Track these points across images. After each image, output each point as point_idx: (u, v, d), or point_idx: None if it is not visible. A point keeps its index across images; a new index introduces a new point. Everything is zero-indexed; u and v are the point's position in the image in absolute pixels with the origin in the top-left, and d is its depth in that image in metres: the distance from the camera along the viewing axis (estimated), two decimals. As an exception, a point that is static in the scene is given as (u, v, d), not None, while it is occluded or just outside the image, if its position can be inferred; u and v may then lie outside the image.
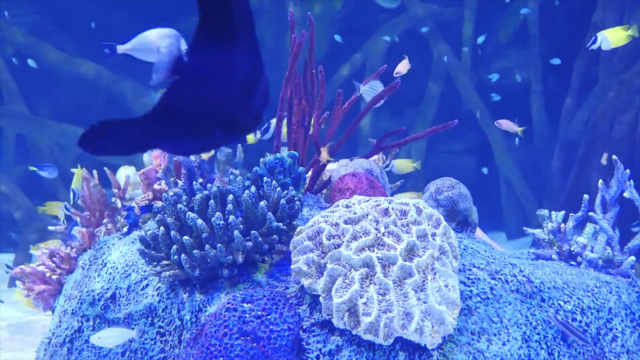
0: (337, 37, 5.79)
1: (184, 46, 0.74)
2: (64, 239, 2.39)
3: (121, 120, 0.74)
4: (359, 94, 2.15)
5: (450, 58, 6.27)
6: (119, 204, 2.36)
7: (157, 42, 1.72)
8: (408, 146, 6.14)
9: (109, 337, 1.64)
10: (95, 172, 2.43)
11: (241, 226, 1.60)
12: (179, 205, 1.65)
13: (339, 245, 1.47)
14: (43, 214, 5.48)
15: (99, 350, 1.79)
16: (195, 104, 0.72)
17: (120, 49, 1.79)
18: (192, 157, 1.96)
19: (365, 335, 1.35)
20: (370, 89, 2.13)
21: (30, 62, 5.56)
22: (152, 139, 0.74)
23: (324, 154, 1.96)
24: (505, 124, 3.30)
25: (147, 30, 1.74)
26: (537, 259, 1.94)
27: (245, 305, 1.42)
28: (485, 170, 5.92)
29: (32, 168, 2.06)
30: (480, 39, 5.93)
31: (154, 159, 2.25)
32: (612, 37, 2.21)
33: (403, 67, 2.26)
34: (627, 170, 1.95)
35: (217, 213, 1.58)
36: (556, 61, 4.95)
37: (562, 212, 1.98)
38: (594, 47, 2.20)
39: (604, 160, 3.37)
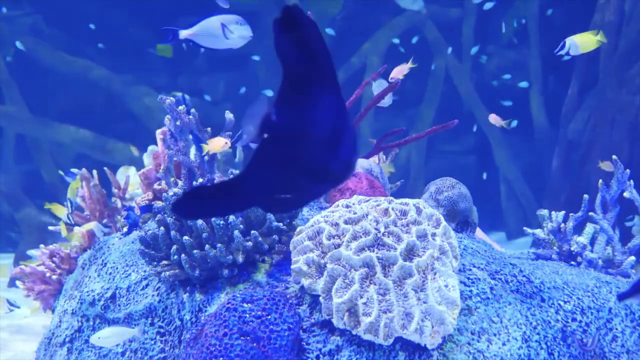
0: (330, 31, 5.79)
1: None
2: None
3: (214, 185, 0.82)
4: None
5: (450, 58, 6.28)
6: (119, 204, 2.36)
7: (222, 29, 1.70)
8: (408, 146, 6.14)
9: (109, 337, 1.64)
10: (95, 172, 2.43)
11: (241, 226, 1.60)
12: (179, 205, 1.65)
13: (339, 245, 1.47)
14: (43, 214, 5.48)
15: (99, 350, 1.79)
16: (286, 160, 0.73)
17: (183, 34, 1.76)
18: (192, 158, 1.96)
19: (365, 335, 1.35)
20: (379, 87, 2.12)
21: (18, 44, 5.53)
22: (245, 199, 0.75)
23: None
24: (493, 118, 3.35)
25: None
26: (537, 259, 1.94)
27: (245, 305, 1.42)
28: (484, 175, 5.93)
29: (60, 172, 2.08)
30: (474, 50, 5.94)
31: (154, 159, 2.25)
32: (581, 42, 2.20)
33: (398, 72, 2.26)
34: (627, 170, 1.95)
35: (217, 213, 1.59)
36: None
37: (562, 212, 1.98)
38: (562, 52, 2.19)
39: (604, 166, 3.38)
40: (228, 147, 1.91)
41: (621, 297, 1.01)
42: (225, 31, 1.68)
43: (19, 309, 3.20)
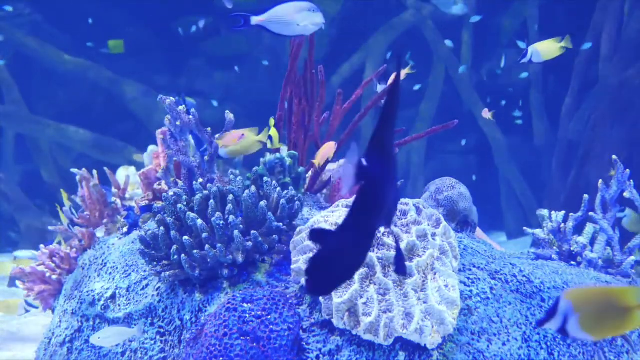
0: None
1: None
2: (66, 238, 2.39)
3: (324, 249, 0.82)
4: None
5: (450, 58, 6.27)
6: (119, 204, 2.36)
7: (294, 15, 1.70)
8: (408, 146, 6.14)
9: (109, 337, 1.64)
10: (95, 172, 2.43)
11: (241, 226, 1.60)
12: (179, 205, 1.65)
13: (339, 245, 1.47)
14: (43, 215, 5.48)
15: (99, 350, 1.79)
16: (379, 205, 0.82)
17: (255, 20, 1.75)
18: (192, 158, 1.96)
19: (365, 335, 1.35)
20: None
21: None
22: (357, 248, 0.83)
23: (317, 159, 1.97)
24: (483, 112, 3.44)
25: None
26: (537, 259, 1.94)
27: (245, 305, 1.42)
28: (474, 177, 5.92)
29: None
30: (462, 69, 5.96)
31: (154, 159, 2.25)
32: (543, 50, 2.22)
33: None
34: (627, 170, 1.95)
35: (217, 213, 1.58)
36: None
37: (562, 212, 1.98)
38: (525, 60, 2.22)
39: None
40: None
41: (539, 323, 1.07)
42: (297, 19, 1.68)
43: (36, 309, 3.21)
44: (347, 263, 0.82)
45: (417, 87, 5.80)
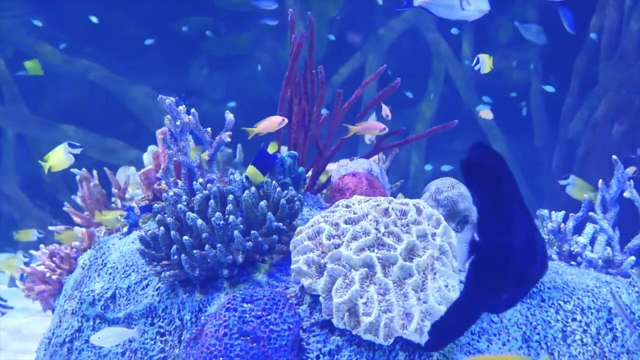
0: (331, 36, 5.81)
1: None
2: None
3: (447, 313, 0.98)
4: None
5: (450, 58, 6.27)
6: (119, 204, 2.36)
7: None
8: (408, 146, 6.14)
9: (108, 337, 1.64)
10: (95, 172, 2.43)
11: (241, 226, 1.60)
12: (179, 205, 1.65)
13: (339, 245, 1.47)
14: (43, 215, 5.48)
15: (99, 350, 1.79)
16: (495, 271, 0.88)
17: (418, 1, 1.74)
18: (192, 158, 1.96)
19: (365, 335, 1.35)
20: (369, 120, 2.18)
21: None
22: (472, 310, 0.94)
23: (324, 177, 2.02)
24: (483, 113, 3.51)
25: None
26: (537, 259, 1.93)
27: (245, 305, 1.42)
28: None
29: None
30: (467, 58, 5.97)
31: (153, 159, 2.25)
32: (485, 64, 2.36)
33: (385, 111, 2.34)
34: (627, 170, 1.95)
35: (217, 213, 1.58)
36: (550, 89, 5.07)
37: (562, 212, 1.98)
38: (477, 67, 2.34)
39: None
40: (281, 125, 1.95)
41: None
42: (462, 2, 1.68)
43: (10, 309, 3.19)
44: (463, 326, 0.97)
45: (409, 94, 5.81)
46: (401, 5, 1.75)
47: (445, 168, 5.34)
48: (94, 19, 5.68)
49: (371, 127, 2.02)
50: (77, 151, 2.12)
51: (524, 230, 0.87)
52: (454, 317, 0.95)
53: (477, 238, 0.86)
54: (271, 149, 1.81)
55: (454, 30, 5.87)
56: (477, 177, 0.84)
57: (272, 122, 1.94)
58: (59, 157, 2.11)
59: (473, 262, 0.87)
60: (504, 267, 0.87)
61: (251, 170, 1.71)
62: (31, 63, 4.80)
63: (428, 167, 5.37)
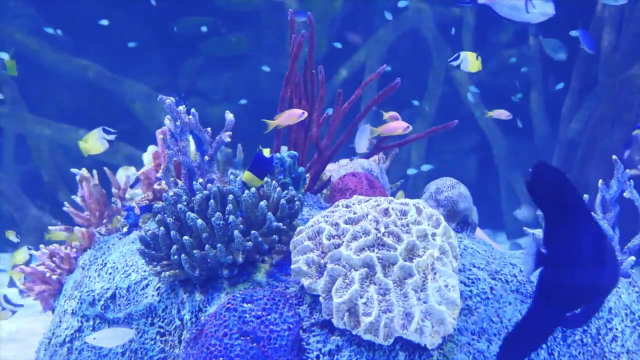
0: (338, 44, 5.84)
1: None
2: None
3: (519, 328, 0.99)
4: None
5: (450, 58, 6.27)
6: (119, 204, 2.36)
7: (526, 1, 1.67)
8: (408, 146, 6.14)
9: (105, 338, 1.64)
10: (95, 172, 2.43)
11: (241, 226, 1.60)
12: (179, 205, 1.65)
13: (339, 245, 1.47)
14: (43, 214, 5.48)
15: (99, 350, 1.79)
16: (566, 284, 0.91)
17: None
18: (192, 158, 1.96)
19: (365, 335, 1.35)
20: (362, 133, 2.15)
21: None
22: (546, 326, 0.96)
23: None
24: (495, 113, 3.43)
25: None
26: (537, 259, 1.93)
27: (245, 305, 1.42)
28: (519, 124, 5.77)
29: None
30: (471, 91, 5.96)
31: (154, 159, 2.25)
32: (469, 63, 2.28)
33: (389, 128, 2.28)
34: (627, 170, 1.95)
35: (217, 213, 1.58)
36: (560, 86, 5.05)
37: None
38: (455, 63, 2.27)
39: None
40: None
41: None
42: (527, 5, 1.67)
43: (21, 307, 3.20)
44: (537, 342, 1.00)
45: (416, 103, 5.81)
46: (465, 1, 1.76)
47: (425, 168, 5.35)
48: (105, 22, 5.68)
49: (394, 128, 2.02)
50: (112, 137, 2.09)
51: (592, 241, 0.89)
52: (527, 332, 0.96)
53: (543, 251, 0.88)
54: (266, 153, 1.81)
55: (473, 89, 5.87)
56: (542, 193, 0.89)
57: (292, 115, 1.94)
58: (93, 142, 2.09)
59: (542, 274, 0.89)
60: (574, 279, 0.89)
61: (247, 175, 1.70)
62: (10, 62, 4.88)
63: (425, 168, 5.37)
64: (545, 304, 0.92)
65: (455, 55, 2.24)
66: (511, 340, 0.98)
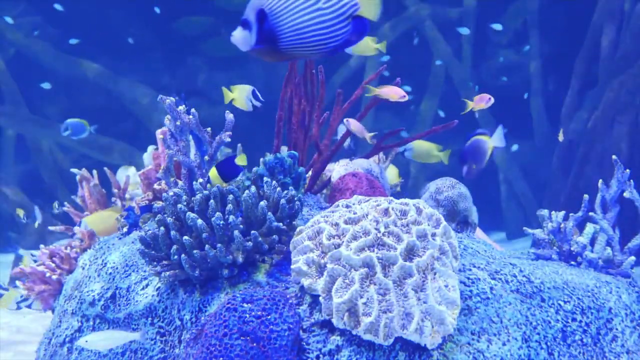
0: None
1: None
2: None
3: None
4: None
5: (450, 58, 6.27)
6: (119, 204, 2.36)
7: None
8: (408, 146, 6.13)
9: (99, 341, 1.64)
10: (95, 172, 2.43)
11: (241, 226, 1.60)
12: (179, 205, 1.65)
13: (339, 245, 1.47)
14: (43, 214, 5.48)
15: (99, 350, 1.79)
16: None
17: None
18: (192, 157, 1.96)
19: (365, 335, 1.35)
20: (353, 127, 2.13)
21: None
22: None
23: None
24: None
25: None
26: (537, 259, 1.94)
27: (245, 305, 1.42)
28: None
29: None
30: (464, 31, 5.87)
31: (153, 159, 2.25)
32: (364, 46, 2.17)
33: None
34: (627, 170, 1.95)
35: (217, 213, 1.58)
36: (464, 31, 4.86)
37: (562, 212, 1.98)
38: (350, 51, 2.19)
39: (561, 137, 3.49)
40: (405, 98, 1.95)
41: None
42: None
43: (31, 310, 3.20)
44: None
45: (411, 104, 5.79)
46: None
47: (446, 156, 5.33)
48: (130, 41, 5.70)
49: (391, 92, 2.00)
50: (257, 104, 2.03)
51: None
52: None
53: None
54: (239, 160, 1.81)
55: (464, 31, 5.81)
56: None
57: (395, 92, 1.95)
58: (241, 96, 2.03)
59: None
60: None
61: (213, 172, 1.70)
62: None
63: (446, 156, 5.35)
64: None
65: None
66: None
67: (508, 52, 6.50)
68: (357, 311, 1.36)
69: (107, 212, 2.25)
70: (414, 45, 6.30)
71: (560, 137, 3.74)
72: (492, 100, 2.03)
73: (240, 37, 1.34)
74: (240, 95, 1.94)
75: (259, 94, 1.95)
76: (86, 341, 1.62)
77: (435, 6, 6.41)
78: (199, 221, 1.59)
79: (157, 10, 5.89)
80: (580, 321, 1.61)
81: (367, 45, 2.10)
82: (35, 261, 2.36)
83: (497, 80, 6.46)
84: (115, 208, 2.30)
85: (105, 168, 2.41)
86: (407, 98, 2.01)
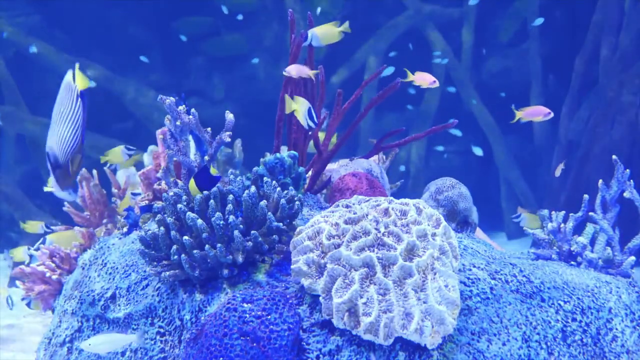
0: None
1: None
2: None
3: None
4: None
5: (450, 58, 6.27)
6: (119, 204, 2.36)
7: None
8: (408, 146, 6.15)
9: (100, 344, 1.63)
10: (95, 172, 2.43)
11: (241, 226, 1.60)
12: (179, 206, 1.65)
13: (339, 245, 1.47)
14: (43, 215, 5.48)
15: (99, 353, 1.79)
16: None
17: None
18: (192, 157, 1.96)
19: (365, 335, 1.35)
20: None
21: (33, 48, 5.52)
22: None
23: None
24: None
25: None
26: (537, 259, 1.94)
27: (245, 305, 1.42)
28: (479, 151, 5.72)
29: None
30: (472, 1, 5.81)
31: (153, 159, 2.25)
32: (323, 34, 2.10)
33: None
34: (627, 170, 1.95)
35: (217, 213, 1.58)
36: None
37: (562, 212, 1.98)
38: (306, 44, 2.10)
39: (558, 172, 3.52)
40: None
41: None
42: None
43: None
44: None
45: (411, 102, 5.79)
46: None
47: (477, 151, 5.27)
48: (144, 59, 5.72)
49: (536, 113, 2.03)
50: (311, 124, 2.04)
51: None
52: None
53: None
54: (214, 171, 1.80)
55: (473, 1, 5.73)
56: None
57: (425, 79, 2.00)
58: (302, 110, 2.04)
59: None
60: None
61: (192, 184, 1.70)
62: None
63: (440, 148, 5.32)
64: None
65: (304, 36, 2.09)
66: None
67: (508, 52, 6.50)
68: (357, 311, 1.36)
69: (70, 232, 2.37)
70: (414, 45, 6.30)
71: (558, 172, 3.77)
72: (437, 83, 2.08)
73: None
74: (302, 109, 1.95)
75: (314, 114, 1.95)
76: (89, 344, 1.62)
77: (435, 6, 6.41)
78: (199, 221, 1.59)
79: (184, 38, 5.92)
80: (580, 321, 1.61)
81: (332, 33, 2.06)
82: (30, 256, 2.36)
83: (497, 80, 6.46)
84: (76, 230, 2.33)
85: (106, 168, 2.41)
86: (437, 84, 2.06)
